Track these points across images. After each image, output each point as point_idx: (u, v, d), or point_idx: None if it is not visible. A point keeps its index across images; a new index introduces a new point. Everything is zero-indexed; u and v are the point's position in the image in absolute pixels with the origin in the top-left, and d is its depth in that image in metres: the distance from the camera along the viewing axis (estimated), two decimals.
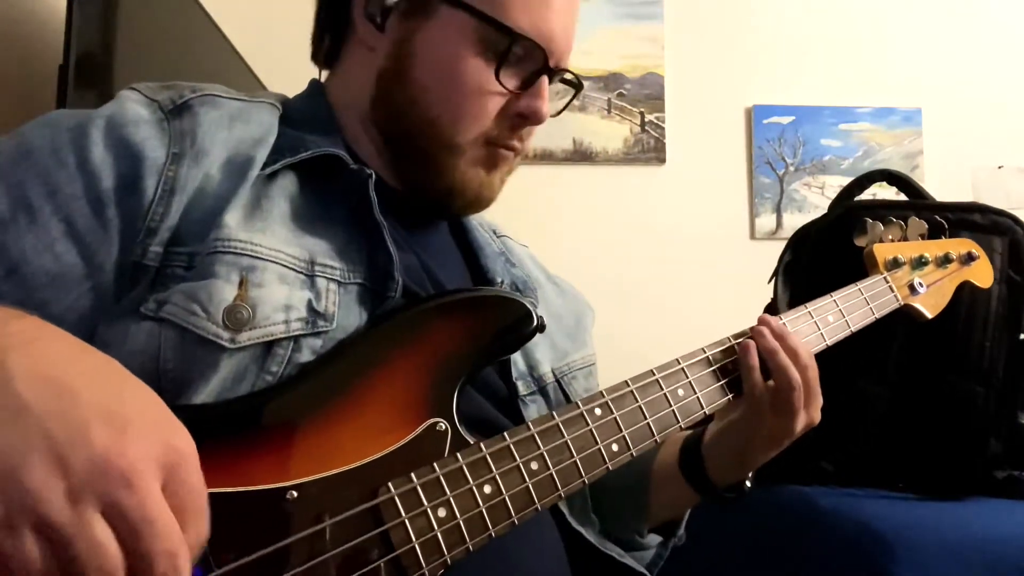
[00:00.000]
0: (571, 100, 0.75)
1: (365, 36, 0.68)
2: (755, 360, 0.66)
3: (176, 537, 0.36)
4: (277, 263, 0.56)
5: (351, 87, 0.70)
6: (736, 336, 0.69)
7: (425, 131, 0.66)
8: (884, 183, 1.19)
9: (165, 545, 0.35)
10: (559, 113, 0.72)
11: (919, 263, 0.88)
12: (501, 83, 0.65)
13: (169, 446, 0.37)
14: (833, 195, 1.31)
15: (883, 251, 0.86)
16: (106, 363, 0.40)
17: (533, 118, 0.67)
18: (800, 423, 0.67)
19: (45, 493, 0.33)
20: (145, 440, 0.36)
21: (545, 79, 0.67)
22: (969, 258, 0.92)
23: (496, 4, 0.64)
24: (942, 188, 1.19)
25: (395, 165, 0.69)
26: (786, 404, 0.66)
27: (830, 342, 0.75)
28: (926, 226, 0.90)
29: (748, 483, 0.73)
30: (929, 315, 0.87)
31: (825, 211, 1.16)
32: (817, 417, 0.69)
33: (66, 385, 0.36)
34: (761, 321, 0.69)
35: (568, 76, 0.72)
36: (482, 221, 0.82)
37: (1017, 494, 1.00)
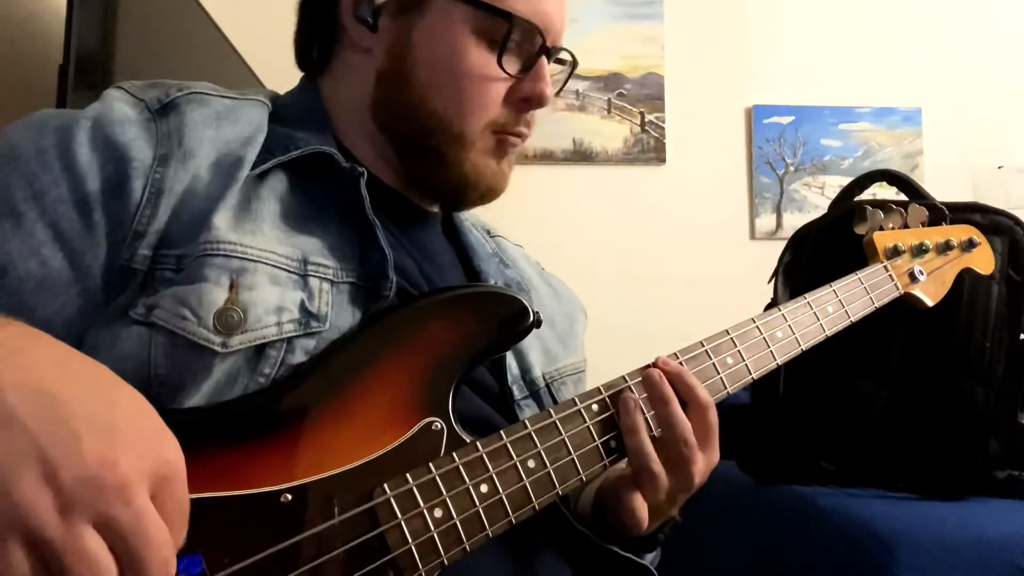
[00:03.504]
0: (568, 77, 0.74)
1: (358, 39, 0.67)
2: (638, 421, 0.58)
3: (169, 547, 0.36)
4: (268, 264, 0.55)
5: (346, 90, 0.69)
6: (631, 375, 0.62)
7: (433, 127, 0.65)
8: (884, 183, 1.19)
9: (161, 554, 0.35)
10: (559, 92, 0.71)
11: (919, 250, 0.86)
12: (504, 69, 0.65)
13: (160, 458, 0.37)
14: (833, 195, 1.31)
15: (883, 239, 0.85)
16: (96, 370, 0.40)
17: (538, 101, 0.67)
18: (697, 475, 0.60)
19: (35, 507, 0.33)
20: (136, 452, 0.36)
21: (544, 60, 0.67)
22: (970, 244, 0.91)
23: None
24: (942, 188, 1.19)
25: (402, 164, 0.68)
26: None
27: (830, 333, 0.74)
28: (927, 213, 0.89)
29: (662, 535, 0.67)
30: (930, 303, 0.86)
31: (825, 211, 1.16)
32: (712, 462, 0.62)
33: (56, 395, 0.36)
34: (657, 365, 0.62)
35: (563, 55, 0.72)
36: (475, 221, 0.81)
37: (1017, 494, 1.00)
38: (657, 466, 0.58)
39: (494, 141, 0.67)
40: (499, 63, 0.64)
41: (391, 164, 0.69)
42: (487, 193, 0.69)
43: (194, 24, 1.36)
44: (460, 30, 0.64)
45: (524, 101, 0.67)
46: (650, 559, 0.70)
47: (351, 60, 0.68)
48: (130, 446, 0.36)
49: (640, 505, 0.60)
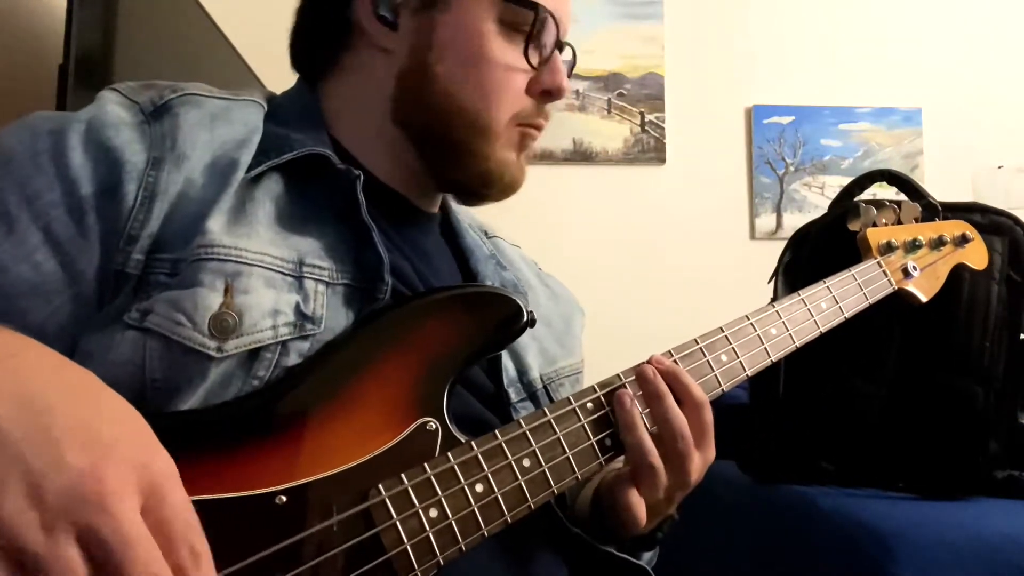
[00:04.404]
0: (570, 71, 0.74)
1: (378, 39, 0.66)
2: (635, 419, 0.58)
3: (156, 561, 0.35)
4: (263, 267, 0.55)
5: (357, 90, 0.68)
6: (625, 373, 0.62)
7: (459, 121, 0.65)
8: (884, 183, 1.19)
9: (144, 568, 0.34)
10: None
11: (913, 246, 0.87)
12: (528, 60, 0.65)
13: (147, 467, 0.37)
14: (833, 195, 1.31)
15: (876, 235, 0.86)
16: (85, 379, 0.40)
17: (557, 92, 0.67)
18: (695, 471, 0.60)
19: (18, 522, 0.32)
20: (122, 463, 0.35)
21: (558, 52, 0.68)
22: (963, 240, 0.91)
23: None
24: (942, 188, 1.19)
25: (423, 161, 0.67)
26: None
27: (824, 329, 0.74)
28: (920, 209, 0.89)
29: (660, 533, 0.66)
30: (923, 298, 0.86)
31: (825, 211, 1.16)
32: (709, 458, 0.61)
33: (42, 405, 0.35)
34: (651, 363, 0.61)
35: (567, 50, 0.72)
36: (473, 222, 0.81)
37: (1017, 494, 1.00)
38: (656, 460, 0.58)
39: (517, 134, 0.68)
40: (525, 54, 0.65)
41: (404, 163, 0.68)
42: (509, 187, 0.69)
43: (194, 24, 1.36)
44: (485, 22, 0.64)
45: (545, 93, 0.67)
46: (648, 558, 0.70)
47: (365, 60, 0.67)
48: (116, 457, 0.35)
49: (638, 503, 0.60)
